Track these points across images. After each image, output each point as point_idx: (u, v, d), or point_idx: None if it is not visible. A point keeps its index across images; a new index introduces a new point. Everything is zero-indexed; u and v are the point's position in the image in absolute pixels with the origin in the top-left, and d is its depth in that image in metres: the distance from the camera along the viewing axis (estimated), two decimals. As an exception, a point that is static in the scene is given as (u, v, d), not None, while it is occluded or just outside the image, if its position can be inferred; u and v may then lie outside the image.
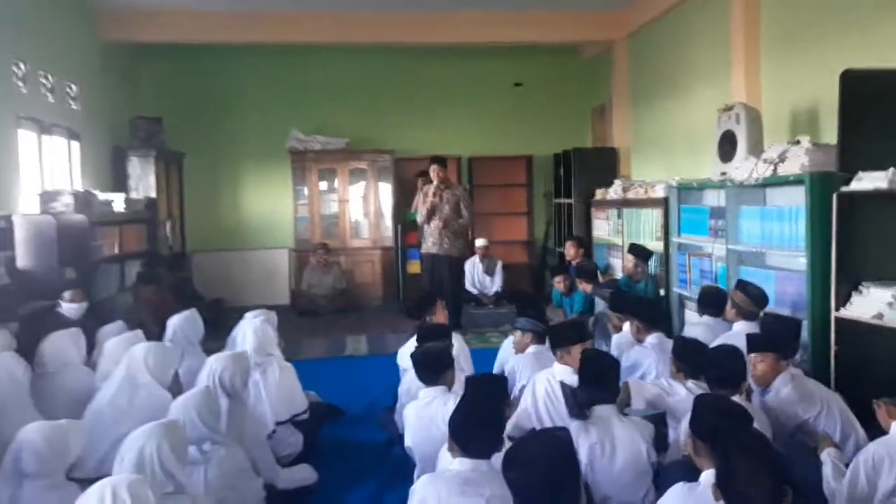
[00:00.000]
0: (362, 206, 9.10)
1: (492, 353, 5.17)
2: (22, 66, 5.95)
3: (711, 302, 4.50)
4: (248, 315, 4.22)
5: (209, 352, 5.38)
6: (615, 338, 4.42)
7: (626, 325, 4.38)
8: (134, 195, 7.72)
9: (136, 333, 3.64)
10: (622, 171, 8.24)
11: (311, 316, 8.16)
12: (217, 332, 5.56)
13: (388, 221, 9.01)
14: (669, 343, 3.98)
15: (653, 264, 6.37)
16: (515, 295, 4.35)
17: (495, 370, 4.33)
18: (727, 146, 5.01)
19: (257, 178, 9.25)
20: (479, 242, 8.65)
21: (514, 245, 9.60)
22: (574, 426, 2.60)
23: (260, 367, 3.44)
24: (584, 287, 5.99)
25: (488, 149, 9.42)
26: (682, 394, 3.17)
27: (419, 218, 6.77)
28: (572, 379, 2.94)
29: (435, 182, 6.70)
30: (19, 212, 5.59)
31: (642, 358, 3.81)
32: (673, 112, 7.17)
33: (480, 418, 2.18)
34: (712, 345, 3.57)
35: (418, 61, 9.29)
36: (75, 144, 7.04)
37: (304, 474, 3.21)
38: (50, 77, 6.49)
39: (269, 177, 9.21)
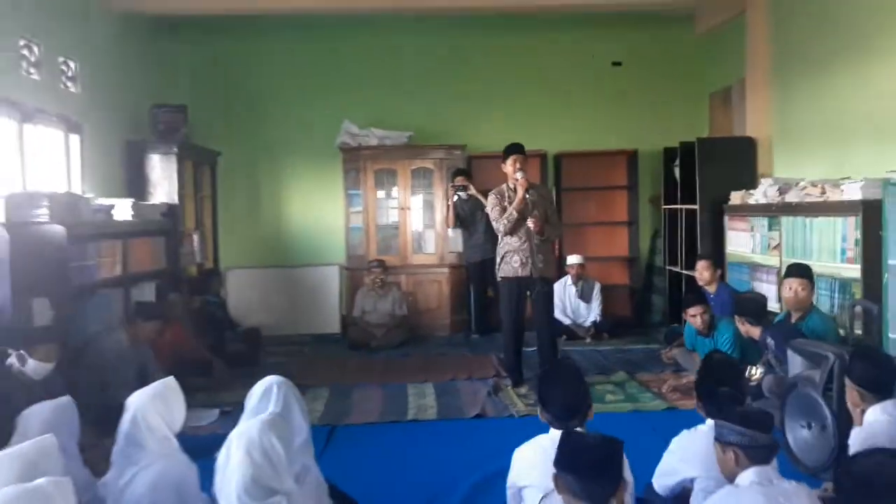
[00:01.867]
0: (427, 215, 7.47)
1: (612, 423, 3.47)
2: (-11, 30, 4.56)
3: None
4: (251, 401, 2.51)
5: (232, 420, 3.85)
6: (860, 432, 2.65)
7: (874, 412, 2.62)
8: (155, 201, 6.30)
9: (43, 441, 2.05)
10: (762, 168, 6.39)
11: (364, 351, 6.57)
12: (251, 373, 4.05)
13: (459, 234, 7.33)
14: None
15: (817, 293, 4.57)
16: (710, 367, 2.58)
17: (662, 489, 2.59)
18: None
19: (304, 180, 7.73)
20: (573, 260, 6.96)
21: (612, 262, 7.81)
22: None
23: (255, 520, 1.82)
24: (750, 330, 4.20)
25: (581, 143, 7.68)
26: None
27: (501, 227, 5.04)
28: None
29: (519, 176, 5.00)
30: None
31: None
32: (844, 88, 5.31)
33: None
34: None
35: (496, 36, 7.64)
36: (74, 138, 5.64)
37: None
38: (36, 49, 5.09)
39: (317, 179, 7.69)
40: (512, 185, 5.08)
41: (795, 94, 6.03)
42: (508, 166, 5.06)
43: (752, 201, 5.77)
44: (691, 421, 2.62)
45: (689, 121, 7.67)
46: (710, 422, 2.41)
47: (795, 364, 3.45)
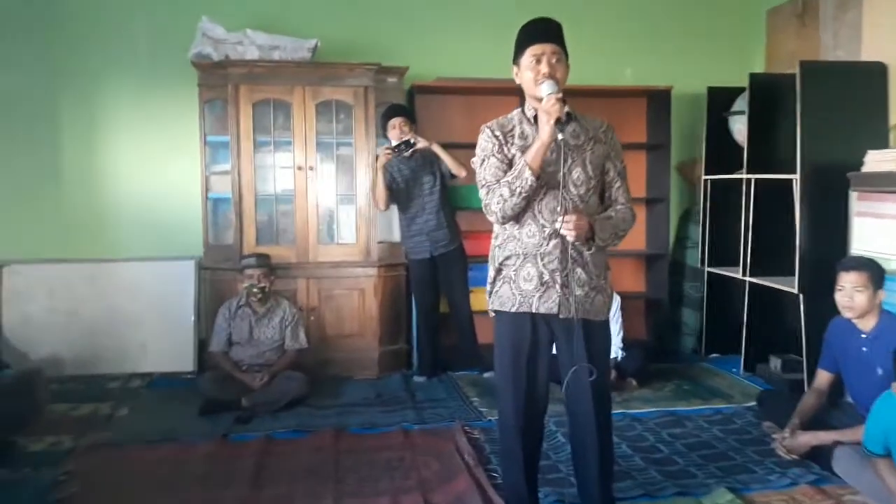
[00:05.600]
0: (343, 180, 4.60)
1: None
2: None
3: None
4: None
5: None
6: None
7: None
8: None
9: None
10: (896, 115, 3.92)
11: (227, 419, 3.66)
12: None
13: (393, 210, 4.52)
14: None
15: None
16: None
17: None
18: None
19: (134, 120, 4.68)
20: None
21: (622, 260, 5.19)
22: None
23: None
24: None
25: (580, 76, 4.97)
26: None
27: (496, 204, 2.24)
28: None
29: (547, 92, 2.20)
30: None
31: None
32: None
33: None
34: None
35: None
36: None
37: None
38: None
39: (157, 118, 4.67)
40: (530, 114, 2.34)
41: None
42: (526, 70, 2.29)
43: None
44: None
45: (738, 49, 5.18)
46: None
47: None
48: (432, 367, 4.47)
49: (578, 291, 2.27)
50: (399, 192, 4.29)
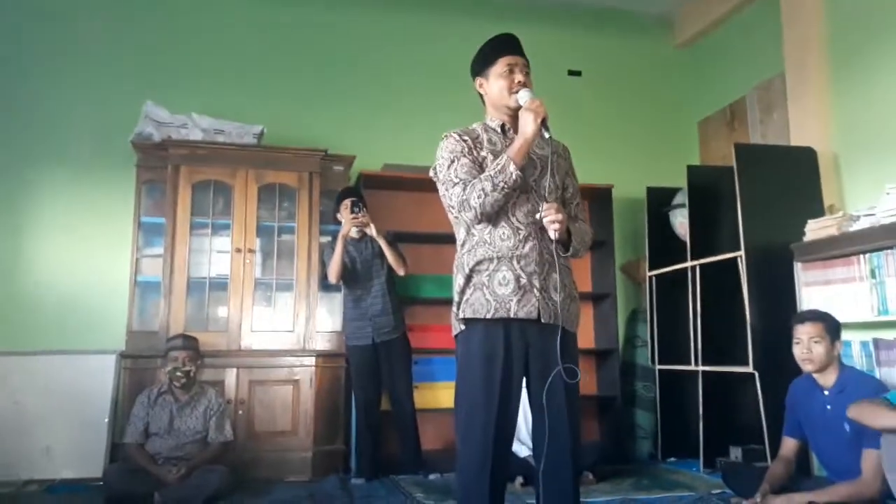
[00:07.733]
0: (283, 265, 4.42)
1: None
2: None
3: None
4: None
5: None
6: None
7: None
8: None
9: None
10: (829, 196, 4.02)
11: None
12: None
13: (336, 298, 4.33)
14: None
15: None
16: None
17: None
18: None
19: (64, 202, 4.47)
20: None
21: (573, 359, 5.02)
22: None
23: None
24: None
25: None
26: None
27: (476, 199, 2.06)
28: None
29: (526, 99, 2.14)
30: None
31: None
32: None
33: None
34: None
35: (411, 16, 5.15)
36: None
37: None
38: None
39: (90, 199, 4.49)
40: (493, 124, 2.29)
41: (875, 85, 3.84)
42: (498, 79, 2.22)
43: (862, 226, 3.32)
44: None
45: (672, 156, 5.38)
46: None
47: None
48: (372, 468, 4.08)
49: (556, 297, 2.12)
50: (350, 272, 4.13)
